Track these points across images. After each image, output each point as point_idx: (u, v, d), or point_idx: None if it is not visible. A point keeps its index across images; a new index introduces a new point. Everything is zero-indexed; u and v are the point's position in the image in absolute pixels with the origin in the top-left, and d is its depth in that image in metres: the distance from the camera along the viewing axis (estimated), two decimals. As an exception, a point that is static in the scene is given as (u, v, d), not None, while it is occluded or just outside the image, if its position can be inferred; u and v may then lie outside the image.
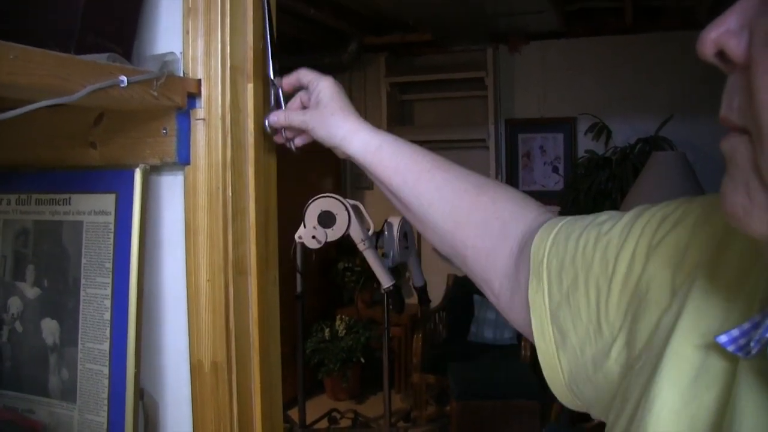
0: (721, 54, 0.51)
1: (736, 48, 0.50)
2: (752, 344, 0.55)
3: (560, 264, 0.86)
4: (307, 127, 1.17)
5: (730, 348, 0.58)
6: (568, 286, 0.84)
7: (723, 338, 0.59)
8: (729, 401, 0.58)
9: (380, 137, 1.13)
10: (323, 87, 1.16)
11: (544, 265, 0.89)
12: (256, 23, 1.17)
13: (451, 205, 1.06)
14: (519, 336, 5.44)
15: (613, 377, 0.78)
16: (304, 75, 1.20)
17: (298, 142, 1.23)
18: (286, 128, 1.20)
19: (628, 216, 0.83)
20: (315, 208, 3.46)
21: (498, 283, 1.00)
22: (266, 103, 1.21)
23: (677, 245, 0.73)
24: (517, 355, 5.16)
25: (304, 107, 1.20)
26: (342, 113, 1.15)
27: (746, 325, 0.58)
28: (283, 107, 1.21)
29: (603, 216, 0.87)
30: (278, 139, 1.23)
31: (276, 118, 1.19)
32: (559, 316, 0.85)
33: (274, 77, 1.21)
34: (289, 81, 1.21)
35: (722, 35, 0.50)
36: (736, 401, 0.57)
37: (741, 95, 0.50)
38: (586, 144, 6.07)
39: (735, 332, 0.58)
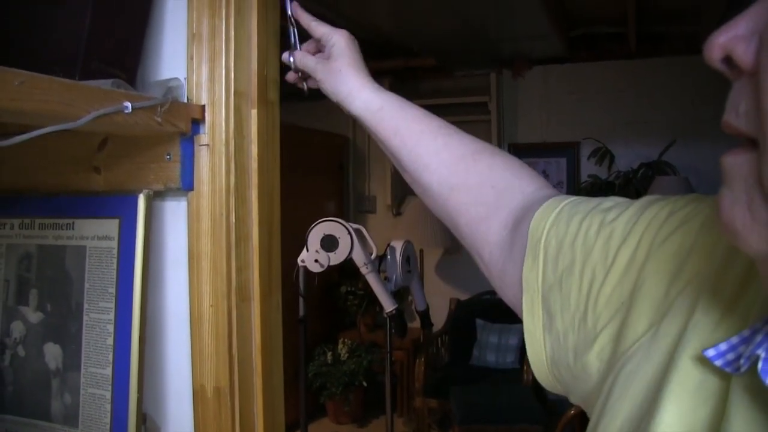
0: (728, 60, 0.50)
1: (744, 54, 0.49)
2: (742, 361, 0.55)
3: (559, 245, 0.85)
4: (316, 77, 1.16)
5: (718, 362, 0.58)
6: (563, 269, 0.83)
7: (710, 352, 0.58)
8: (723, 418, 0.58)
9: (383, 97, 1.11)
10: (336, 40, 1.14)
11: (542, 245, 0.87)
12: (261, 49, 1.17)
13: (447, 170, 1.05)
14: (521, 360, 5.42)
15: (593, 371, 0.76)
16: (316, 28, 1.17)
17: (311, 84, 1.21)
18: (299, 70, 1.19)
19: (635, 207, 0.81)
20: (318, 231, 3.46)
21: (488, 251, 0.99)
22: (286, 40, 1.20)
23: (680, 247, 0.72)
24: (520, 380, 5.13)
25: (319, 51, 1.19)
26: (350, 70, 1.13)
27: (735, 340, 0.58)
28: (299, 47, 1.20)
29: (609, 202, 0.85)
30: (290, 77, 1.22)
31: (290, 57, 1.19)
32: (550, 299, 0.84)
33: (291, 17, 1.18)
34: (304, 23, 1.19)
35: (731, 40, 0.50)
36: (728, 417, 0.57)
37: (748, 102, 0.49)
38: (589, 168, 6.07)
39: (723, 346, 0.58)
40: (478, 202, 1.02)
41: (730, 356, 0.58)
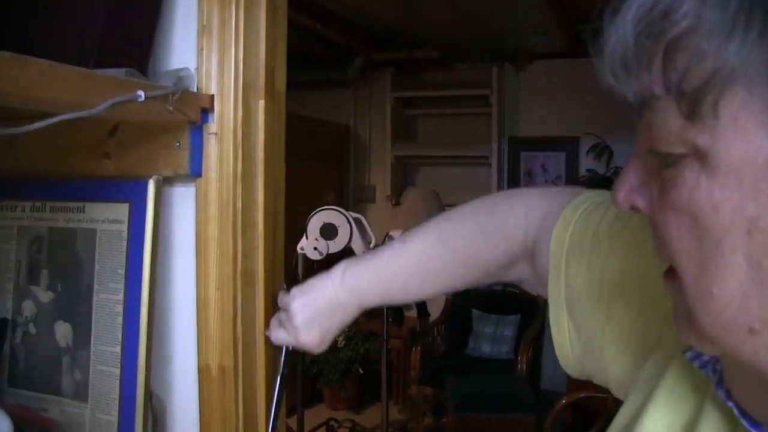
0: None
1: (642, 205, 0.56)
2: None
3: (578, 263, 0.86)
4: (295, 317, 1.14)
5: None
6: (584, 284, 0.85)
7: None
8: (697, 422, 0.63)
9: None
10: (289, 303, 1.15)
11: (563, 260, 0.88)
12: (269, 41, 1.20)
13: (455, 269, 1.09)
14: (516, 350, 5.46)
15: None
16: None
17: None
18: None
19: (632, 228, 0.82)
20: (317, 220, 3.47)
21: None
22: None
23: None
24: (514, 370, 5.17)
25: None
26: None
27: None
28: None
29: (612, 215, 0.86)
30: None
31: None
32: (574, 310, 0.87)
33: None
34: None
35: (628, 195, 0.56)
36: (701, 422, 0.62)
37: (657, 240, 0.55)
38: (587, 163, 6.10)
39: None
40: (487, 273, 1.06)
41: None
